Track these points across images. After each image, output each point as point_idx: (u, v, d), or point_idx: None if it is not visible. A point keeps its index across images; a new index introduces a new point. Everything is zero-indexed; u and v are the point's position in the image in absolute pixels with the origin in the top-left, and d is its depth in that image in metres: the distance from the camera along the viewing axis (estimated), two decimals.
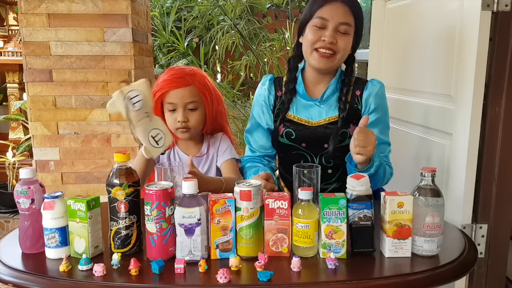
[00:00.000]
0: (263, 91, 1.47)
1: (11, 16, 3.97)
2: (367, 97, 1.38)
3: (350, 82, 1.40)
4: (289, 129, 1.40)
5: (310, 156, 1.40)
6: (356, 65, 4.42)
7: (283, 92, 1.44)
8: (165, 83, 1.40)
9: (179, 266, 0.91)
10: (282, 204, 0.96)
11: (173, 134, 1.44)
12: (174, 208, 0.96)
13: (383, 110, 1.39)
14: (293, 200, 1.06)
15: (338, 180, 1.42)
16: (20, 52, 2.69)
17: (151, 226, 0.96)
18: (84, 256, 0.94)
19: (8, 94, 3.69)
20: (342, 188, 1.41)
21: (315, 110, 1.40)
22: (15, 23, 3.88)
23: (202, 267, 0.91)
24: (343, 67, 1.44)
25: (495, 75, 1.38)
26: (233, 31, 3.19)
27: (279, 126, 1.41)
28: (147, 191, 0.95)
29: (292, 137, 1.40)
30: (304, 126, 1.40)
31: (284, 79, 1.47)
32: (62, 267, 0.92)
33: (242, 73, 3.58)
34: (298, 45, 1.42)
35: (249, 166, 1.44)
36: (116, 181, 0.97)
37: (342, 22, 1.29)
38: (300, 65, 1.46)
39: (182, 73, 1.41)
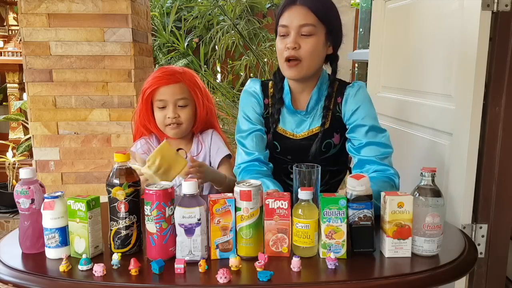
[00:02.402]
0: (254, 94, 1.42)
1: (11, 16, 3.97)
2: (345, 102, 1.34)
3: (333, 88, 1.36)
4: (274, 142, 1.39)
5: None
6: (356, 65, 4.42)
7: (270, 102, 1.41)
8: (155, 80, 1.42)
9: (179, 266, 0.91)
10: (282, 204, 0.96)
11: (162, 133, 1.46)
12: (174, 208, 0.96)
13: (366, 110, 1.33)
14: (293, 200, 1.06)
15: (325, 184, 1.43)
16: (20, 52, 2.69)
17: (151, 226, 0.96)
18: (84, 256, 0.94)
19: (8, 94, 3.69)
20: (328, 190, 1.43)
21: (300, 122, 1.38)
22: (15, 23, 3.88)
23: (202, 267, 0.91)
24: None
25: (495, 75, 1.38)
26: (233, 31, 3.19)
27: (269, 138, 1.39)
28: (147, 191, 0.95)
29: (277, 150, 1.40)
30: (289, 139, 1.38)
31: (270, 89, 1.42)
32: (62, 267, 0.92)
33: (242, 73, 3.58)
34: None
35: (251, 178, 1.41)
36: (116, 181, 0.97)
37: (302, 24, 1.25)
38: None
39: (172, 70, 1.44)
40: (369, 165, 1.29)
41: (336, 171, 1.45)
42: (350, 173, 1.51)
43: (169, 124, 1.43)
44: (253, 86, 1.44)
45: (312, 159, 1.34)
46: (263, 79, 1.48)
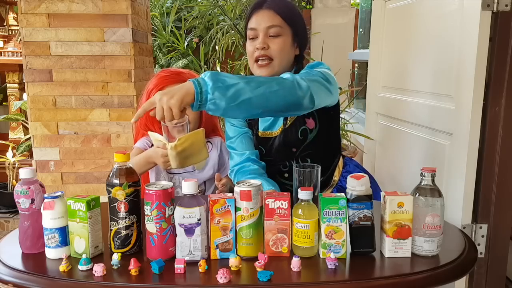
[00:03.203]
0: None
1: (11, 16, 3.97)
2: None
3: None
4: (259, 146, 1.43)
5: (287, 162, 1.41)
6: (356, 65, 4.42)
7: None
8: (161, 79, 1.44)
9: (179, 266, 0.91)
10: (282, 204, 0.96)
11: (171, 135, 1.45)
12: (174, 208, 0.96)
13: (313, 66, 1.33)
14: (293, 200, 1.06)
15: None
16: (20, 52, 2.69)
17: (151, 226, 0.96)
18: (84, 256, 0.94)
19: (8, 94, 3.69)
20: (322, 183, 1.42)
21: (273, 120, 1.41)
22: (15, 23, 3.88)
23: (202, 267, 0.91)
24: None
25: (495, 75, 1.38)
26: (233, 31, 3.19)
27: (254, 142, 1.44)
28: (147, 191, 0.95)
29: (263, 153, 1.43)
30: (269, 138, 1.41)
31: None
32: (62, 267, 0.92)
33: (242, 73, 3.57)
34: None
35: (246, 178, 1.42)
36: (116, 181, 0.97)
37: (269, 26, 1.32)
38: None
39: (177, 70, 1.47)
40: None
41: (327, 158, 1.45)
42: (343, 157, 1.51)
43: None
44: None
45: (296, 150, 1.38)
46: None
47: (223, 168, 1.55)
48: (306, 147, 1.39)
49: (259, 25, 1.33)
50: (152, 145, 1.47)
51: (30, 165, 2.62)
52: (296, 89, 1.12)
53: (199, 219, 0.94)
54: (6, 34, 3.90)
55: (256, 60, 1.34)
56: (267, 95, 1.07)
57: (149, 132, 1.33)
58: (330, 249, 0.96)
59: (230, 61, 3.84)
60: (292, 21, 1.35)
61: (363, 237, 0.97)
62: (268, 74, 1.34)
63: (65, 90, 2.24)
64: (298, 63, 1.42)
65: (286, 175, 1.43)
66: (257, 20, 1.33)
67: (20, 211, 1.02)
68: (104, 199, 1.01)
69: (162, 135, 1.46)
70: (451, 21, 1.50)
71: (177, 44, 3.63)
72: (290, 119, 1.38)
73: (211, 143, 1.54)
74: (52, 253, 0.98)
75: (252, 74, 1.42)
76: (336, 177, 1.45)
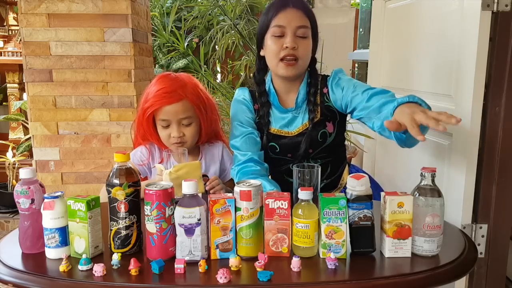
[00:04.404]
0: (244, 101, 1.46)
1: (11, 16, 3.97)
2: (331, 90, 1.39)
3: (317, 82, 1.41)
4: (272, 143, 1.41)
5: (298, 161, 1.41)
6: (356, 65, 4.42)
7: (259, 106, 1.45)
8: (156, 99, 1.35)
9: (179, 266, 0.91)
10: (282, 204, 0.96)
11: (166, 147, 1.43)
12: (174, 208, 0.96)
13: (351, 84, 1.36)
14: (293, 200, 1.06)
15: (327, 177, 1.45)
16: (20, 52, 2.69)
17: (151, 226, 0.96)
18: (84, 256, 0.94)
19: (8, 94, 3.69)
20: (330, 184, 1.45)
21: (291, 119, 1.42)
22: (15, 23, 3.88)
23: (202, 267, 0.91)
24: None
25: (495, 75, 1.38)
26: (233, 31, 3.19)
27: (263, 141, 1.42)
28: (147, 191, 0.95)
29: (277, 150, 1.42)
30: (285, 137, 1.41)
31: (257, 95, 1.47)
32: (62, 267, 0.92)
33: (242, 73, 3.57)
34: (260, 59, 1.43)
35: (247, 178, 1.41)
36: (116, 181, 0.97)
37: (300, 26, 1.31)
38: (267, 78, 1.46)
39: (174, 86, 1.36)
40: (384, 105, 1.24)
41: (337, 162, 1.47)
42: (349, 165, 1.53)
43: (174, 143, 1.40)
44: (242, 94, 1.48)
45: (312, 152, 1.39)
46: (249, 88, 1.51)
47: (224, 174, 1.53)
48: (322, 150, 1.40)
49: (289, 24, 1.30)
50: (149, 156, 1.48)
51: (30, 165, 2.62)
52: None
53: (199, 219, 0.94)
54: (6, 34, 3.90)
55: (282, 59, 1.32)
56: None
57: (156, 164, 1.36)
58: (330, 249, 0.96)
59: (230, 61, 3.85)
60: (314, 24, 1.36)
61: (363, 237, 0.97)
62: (294, 73, 1.34)
63: (65, 90, 2.24)
64: (311, 65, 1.42)
65: None
66: (287, 18, 1.31)
67: (20, 211, 1.02)
68: (104, 199, 1.01)
69: (161, 146, 1.46)
70: (451, 21, 1.50)
71: (177, 44, 3.62)
72: (314, 121, 1.38)
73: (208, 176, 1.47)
74: (52, 253, 0.98)
75: (265, 73, 1.42)
76: (343, 180, 1.47)
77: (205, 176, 1.36)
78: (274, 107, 1.43)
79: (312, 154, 1.40)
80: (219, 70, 4.15)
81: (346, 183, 1.44)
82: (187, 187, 0.95)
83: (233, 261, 0.92)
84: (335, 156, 1.46)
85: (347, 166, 1.52)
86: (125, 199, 0.97)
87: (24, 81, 2.28)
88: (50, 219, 0.97)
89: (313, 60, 1.43)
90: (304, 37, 1.32)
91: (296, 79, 1.40)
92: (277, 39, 1.32)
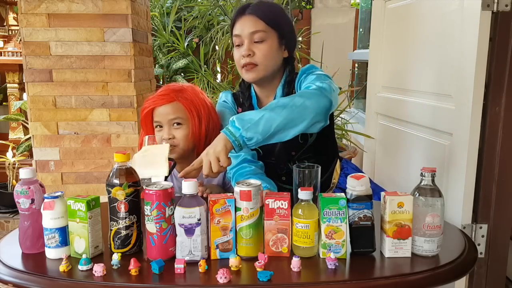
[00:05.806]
0: (227, 104, 1.48)
1: (11, 16, 3.97)
2: (298, 85, 1.37)
3: (293, 82, 1.40)
4: (256, 148, 1.41)
5: (284, 165, 1.42)
6: (356, 65, 4.42)
7: (242, 110, 1.45)
8: (150, 101, 1.41)
9: (179, 266, 0.91)
10: (282, 204, 0.96)
11: None
12: (174, 208, 0.96)
13: (308, 78, 1.34)
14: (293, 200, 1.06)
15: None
16: (20, 52, 2.69)
17: (151, 226, 0.96)
18: (84, 256, 0.94)
19: (8, 94, 3.69)
20: (323, 184, 1.42)
21: None
22: (15, 23, 3.88)
23: (202, 267, 0.91)
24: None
25: (495, 75, 1.38)
26: None
27: None
28: (147, 191, 0.95)
29: (260, 154, 1.42)
30: None
31: (240, 99, 1.48)
32: (62, 267, 0.92)
33: None
34: None
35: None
36: (116, 181, 0.97)
37: (253, 31, 1.31)
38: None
39: (168, 90, 1.41)
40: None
41: (325, 161, 1.45)
42: (341, 160, 1.52)
43: None
44: (225, 97, 1.51)
45: (295, 154, 1.39)
46: (233, 91, 1.53)
47: (228, 186, 1.52)
48: (306, 151, 1.39)
49: (243, 32, 1.33)
50: None
51: (30, 165, 2.62)
52: (323, 92, 1.18)
53: (199, 219, 0.94)
54: (6, 34, 3.90)
55: (243, 66, 1.34)
56: (297, 111, 1.12)
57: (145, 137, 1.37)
58: (330, 249, 0.96)
59: (230, 61, 3.84)
60: (276, 24, 1.34)
61: (363, 237, 0.97)
62: (255, 77, 1.35)
63: (65, 90, 2.24)
64: (288, 65, 1.42)
65: (284, 178, 1.43)
66: (241, 27, 1.33)
67: (20, 211, 1.02)
68: (104, 199, 1.01)
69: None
70: (451, 21, 1.50)
71: (177, 44, 3.63)
72: None
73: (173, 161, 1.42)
74: (52, 253, 0.98)
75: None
76: (335, 179, 1.45)
77: (170, 160, 1.33)
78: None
79: (296, 156, 1.40)
80: (219, 70, 4.15)
81: (338, 182, 1.45)
82: (187, 187, 0.95)
83: (233, 261, 0.92)
84: (322, 155, 1.44)
85: (338, 162, 1.49)
86: (125, 199, 0.97)
87: (24, 81, 2.28)
88: (50, 219, 0.97)
89: (290, 60, 1.41)
90: (261, 41, 1.32)
91: (269, 84, 1.40)
92: (237, 49, 1.36)
